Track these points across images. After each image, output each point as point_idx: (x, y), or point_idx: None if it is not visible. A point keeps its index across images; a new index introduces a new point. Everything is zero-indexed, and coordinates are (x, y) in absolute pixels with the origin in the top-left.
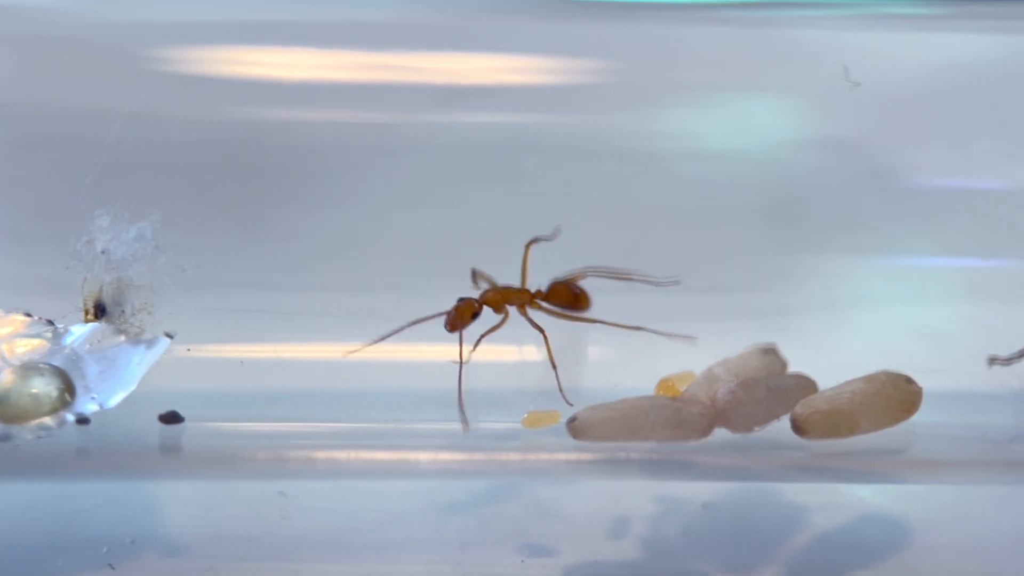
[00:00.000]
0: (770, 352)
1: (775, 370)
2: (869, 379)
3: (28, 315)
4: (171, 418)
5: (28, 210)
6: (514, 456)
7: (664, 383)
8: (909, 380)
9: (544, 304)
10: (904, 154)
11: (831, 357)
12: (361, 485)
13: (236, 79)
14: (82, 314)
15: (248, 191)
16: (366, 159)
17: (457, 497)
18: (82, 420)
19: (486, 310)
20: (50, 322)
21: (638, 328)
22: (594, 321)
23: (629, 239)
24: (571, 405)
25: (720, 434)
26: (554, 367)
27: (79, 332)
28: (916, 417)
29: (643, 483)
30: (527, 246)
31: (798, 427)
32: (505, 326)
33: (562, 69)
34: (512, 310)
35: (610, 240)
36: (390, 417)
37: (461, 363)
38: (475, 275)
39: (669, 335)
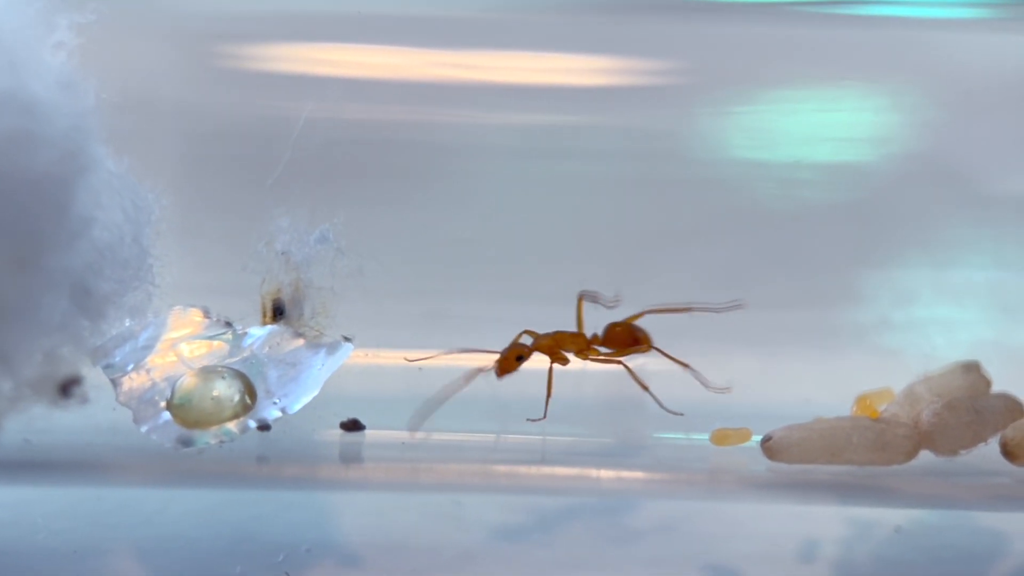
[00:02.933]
0: (973, 369)
1: (979, 389)
2: None
3: (206, 314)
4: (352, 426)
5: (207, 209)
6: (700, 475)
7: (862, 401)
8: None
9: (602, 349)
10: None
11: None
12: (540, 500)
13: (410, 81)
14: (259, 315)
15: (424, 193)
16: (541, 162)
17: (640, 514)
18: (263, 427)
19: None
20: (228, 323)
21: (686, 365)
22: (649, 350)
23: (705, 248)
24: (681, 415)
25: (921, 457)
26: (646, 389)
27: (258, 334)
28: None
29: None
30: (579, 298)
31: (1009, 452)
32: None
33: (628, 69)
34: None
35: (682, 248)
36: (570, 431)
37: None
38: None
39: (708, 386)
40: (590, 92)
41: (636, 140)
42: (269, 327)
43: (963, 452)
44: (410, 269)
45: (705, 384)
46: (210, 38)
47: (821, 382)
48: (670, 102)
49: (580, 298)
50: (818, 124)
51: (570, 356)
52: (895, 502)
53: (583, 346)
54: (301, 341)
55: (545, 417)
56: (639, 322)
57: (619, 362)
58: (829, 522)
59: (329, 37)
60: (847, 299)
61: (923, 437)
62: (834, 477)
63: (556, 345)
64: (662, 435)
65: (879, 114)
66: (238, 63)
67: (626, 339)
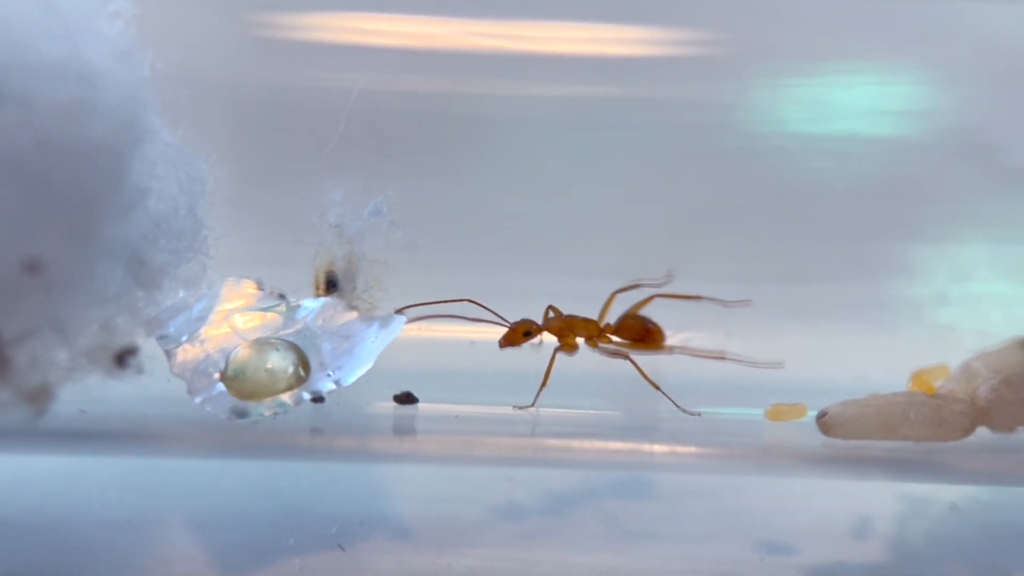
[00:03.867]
0: None
1: None
2: None
3: (260, 286)
4: (406, 399)
5: (260, 181)
6: (754, 450)
7: (918, 377)
8: None
9: (615, 338)
10: None
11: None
12: (593, 474)
13: (463, 52)
14: (312, 288)
15: (477, 165)
16: (593, 134)
17: (692, 489)
18: (317, 398)
19: None
20: (281, 295)
21: (721, 356)
22: (671, 350)
23: (758, 221)
24: (698, 415)
25: (978, 433)
26: (657, 388)
27: (311, 307)
28: None
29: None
30: (613, 294)
31: None
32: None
33: (680, 40)
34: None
35: (734, 221)
36: (622, 405)
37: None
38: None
39: (753, 364)
40: (641, 63)
41: (687, 112)
42: (322, 299)
43: (1020, 429)
44: (462, 242)
45: (752, 364)
46: (263, 8)
47: (876, 358)
48: (723, 74)
49: (613, 294)
50: (873, 97)
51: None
52: (950, 479)
53: (594, 333)
54: (354, 314)
55: (534, 406)
56: (648, 309)
57: (626, 355)
58: (883, 498)
59: (383, 7)
60: (903, 274)
61: (980, 413)
62: (889, 453)
63: (567, 328)
64: (716, 410)
65: (934, 87)
66: (292, 33)
67: (639, 332)
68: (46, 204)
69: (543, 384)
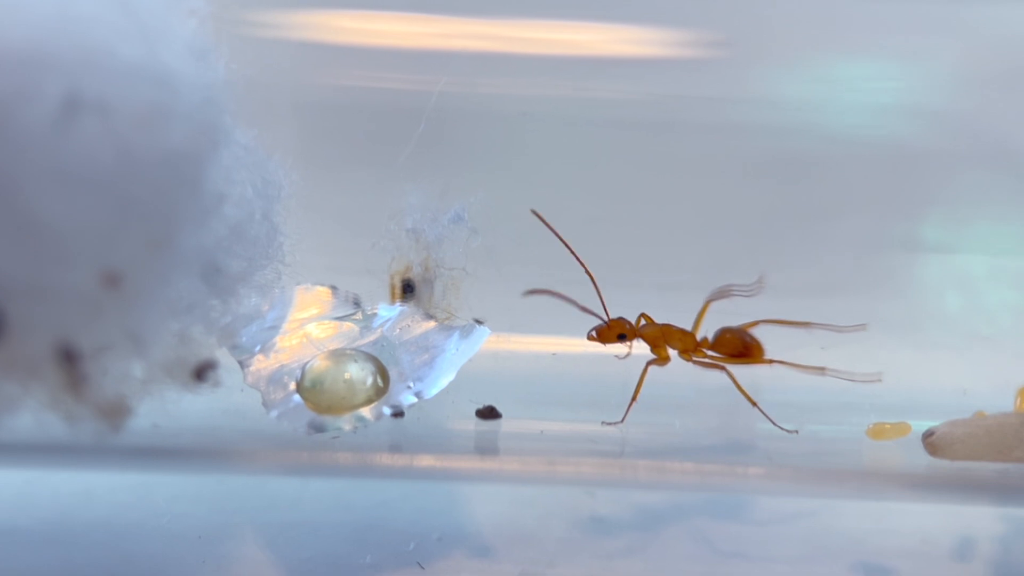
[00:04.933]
0: None
1: None
2: None
3: (334, 292)
4: (489, 413)
5: (335, 185)
6: (854, 470)
7: None
8: None
9: (710, 352)
10: None
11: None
12: (682, 495)
13: (542, 56)
14: (388, 294)
15: (557, 170)
16: (677, 136)
17: (787, 509)
18: (398, 413)
19: None
20: (356, 302)
21: (821, 370)
22: (770, 363)
23: (848, 227)
24: (795, 432)
25: None
26: (755, 404)
27: (387, 315)
28: None
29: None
30: (707, 302)
31: None
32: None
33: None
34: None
35: (822, 227)
36: (715, 421)
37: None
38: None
39: (852, 379)
40: (713, 64)
41: (767, 113)
42: (399, 307)
43: None
44: (543, 250)
45: (851, 379)
46: (339, 8)
47: (978, 372)
48: (795, 73)
49: (707, 302)
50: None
51: (674, 355)
52: None
53: (690, 346)
54: (432, 323)
55: (623, 421)
56: (736, 308)
57: (723, 368)
58: (986, 519)
59: (458, 11)
60: (1004, 283)
61: None
62: (997, 476)
63: (662, 337)
64: (814, 428)
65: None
66: (368, 35)
67: (736, 347)
68: (125, 215)
69: (633, 398)
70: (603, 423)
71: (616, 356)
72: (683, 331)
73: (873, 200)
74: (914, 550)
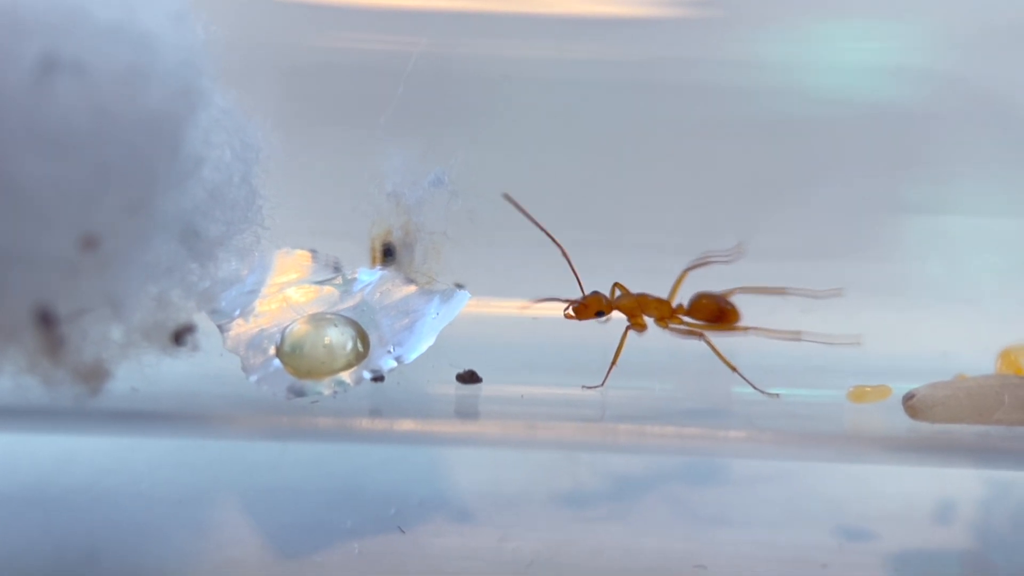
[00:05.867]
0: None
1: None
2: None
3: (314, 256)
4: (469, 378)
5: (315, 148)
6: (835, 434)
7: (1007, 355)
8: None
9: (686, 319)
10: None
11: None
12: (663, 459)
13: (526, 15)
14: (368, 258)
15: (540, 133)
16: (660, 99)
17: (768, 473)
18: (378, 377)
19: None
20: (336, 266)
21: (797, 335)
22: (745, 330)
23: (830, 191)
24: (777, 396)
25: None
26: (734, 369)
27: (368, 279)
28: None
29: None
30: (684, 271)
31: None
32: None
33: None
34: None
35: (804, 192)
36: (695, 386)
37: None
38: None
39: (831, 342)
40: (695, 25)
41: (748, 74)
42: (379, 271)
43: None
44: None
45: (829, 342)
46: None
47: (959, 334)
48: (778, 34)
49: (684, 271)
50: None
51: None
52: None
53: (666, 314)
54: (413, 288)
55: (604, 385)
56: (712, 272)
57: (701, 335)
58: (967, 482)
59: None
60: (987, 246)
61: None
62: (979, 439)
63: (637, 307)
64: (794, 391)
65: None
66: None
67: (712, 312)
68: (103, 177)
69: (613, 362)
70: (583, 387)
71: (596, 320)
72: (659, 300)
73: (855, 162)
74: (895, 513)
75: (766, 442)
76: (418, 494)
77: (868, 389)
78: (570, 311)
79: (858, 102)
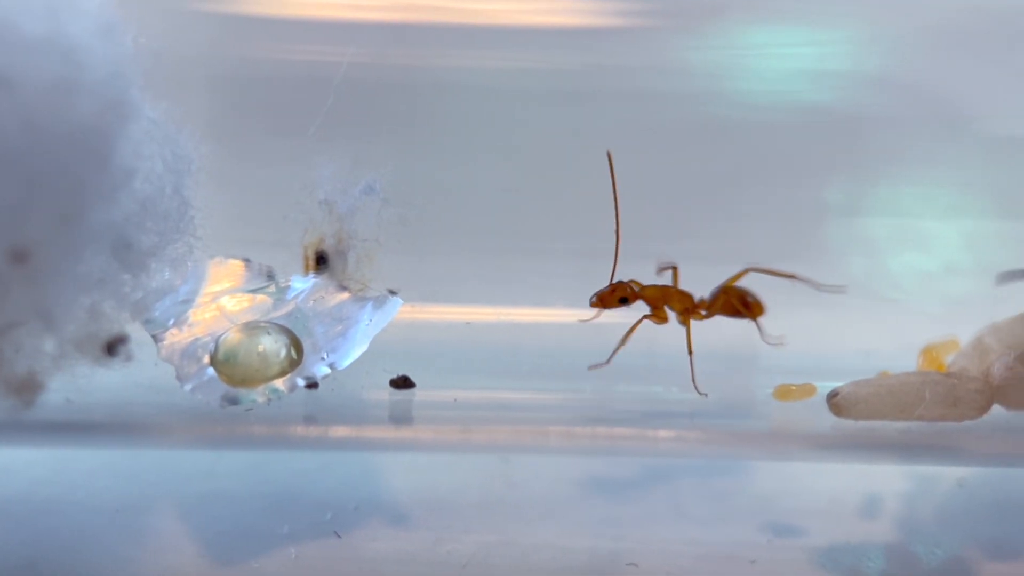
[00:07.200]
0: None
1: None
2: None
3: (247, 265)
4: (403, 383)
5: (247, 158)
6: (761, 432)
7: (928, 352)
8: None
9: (706, 314)
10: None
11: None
12: (594, 460)
13: (456, 25)
14: (302, 266)
15: (471, 141)
16: (591, 106)
17: (696, 472)
18: (312, 384)
19: None
20: (270, 274)
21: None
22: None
23: (753, 195)
24: (706, 396)
25: (991, 411)
26: (691, 354)
27: (301, 287)
28: None
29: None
30: (675, 269)
31: None
32: None
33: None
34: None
35: (731, 195)
36: (624, 389)
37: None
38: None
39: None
40: (627, 33)
41: (674, 81)
42: (312, 279)
43: None
44: (456, 220)
45: (762, 336)
46: None
47: (882, 333)
48: (709, 41)
49: (675, 268)
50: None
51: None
52: (964, 460)
53: (689, 306)
54: (346, 295)
55: (609, 362)
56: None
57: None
58: (890, 477)
59: None
60: (908, 247)
61: (995, 391)
62: (901, 435)
63: (663, 299)
64: (722, 390)
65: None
66: (278, 9)
67: (737, 306)
68: (32, 190)
69: (623, 342)
70: (589, 367)
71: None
72: (682, 292)
73: (781, 165)
74: (822, 509)
75: (694, 441)
76: (354, 499)
77: (793, 387)
78: (594, 299)
79: (785, 106)
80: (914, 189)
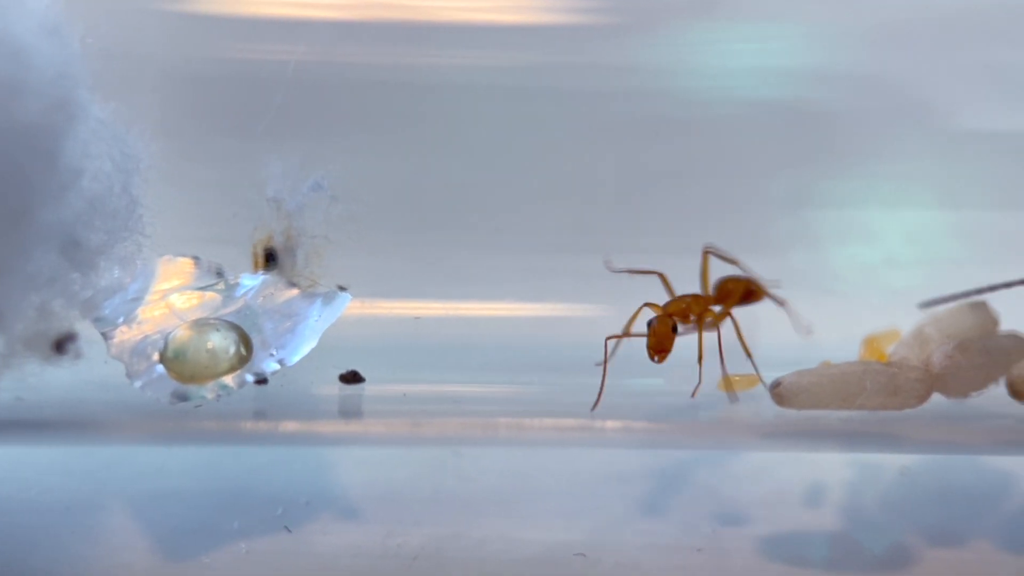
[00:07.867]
0: (981, 308)
1: (987, 328)
2: None
3: (197, 262)
4: (352, 378)
5: (195, 156)
6: (704, 421)
7: (870, 342)
8: None
9: (716, 308)
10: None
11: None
12: (544, 452)
13: (403, 22)
14: (251, 264)
15: (419, 138)
16: (539, 103)
17: (643, 464)
18: (261, 380)
19: None
20: (219, 272)
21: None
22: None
23: (702, 189)
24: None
25: (932, 400)
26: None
27: (250, 284)
28: None
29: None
30: (705, 254)
31: (1017, 392)
32: None
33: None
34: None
35: (676, 190)
36: (573, 382)
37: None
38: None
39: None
40: (584, 30)
41: (622, 78)
42: (262, 276)
43: (975, 394)
44: (405, 216)
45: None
46: None
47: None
48: (666, 38)
49: (705, 253)
50: (814, 61)
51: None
52: (906, 448)
53: (704, 306)
54: (295, 291)
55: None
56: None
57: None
58: (834, 465)
59: None
60: (851, 239)
61: (935, 380)
62: (843, 423)
63: (687, 310)
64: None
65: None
66: (226, 7)
67: (742, 294)
68: None
69: (626, 334)
70: (595, 364)
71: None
72: (696, 296)
73: (726, 160)
74: (767, 498)
75: (640, 432)
76: (304, 493)
77: (736, 378)
78: (654, 349)
79: (729, 102)
80: (856, 182)
